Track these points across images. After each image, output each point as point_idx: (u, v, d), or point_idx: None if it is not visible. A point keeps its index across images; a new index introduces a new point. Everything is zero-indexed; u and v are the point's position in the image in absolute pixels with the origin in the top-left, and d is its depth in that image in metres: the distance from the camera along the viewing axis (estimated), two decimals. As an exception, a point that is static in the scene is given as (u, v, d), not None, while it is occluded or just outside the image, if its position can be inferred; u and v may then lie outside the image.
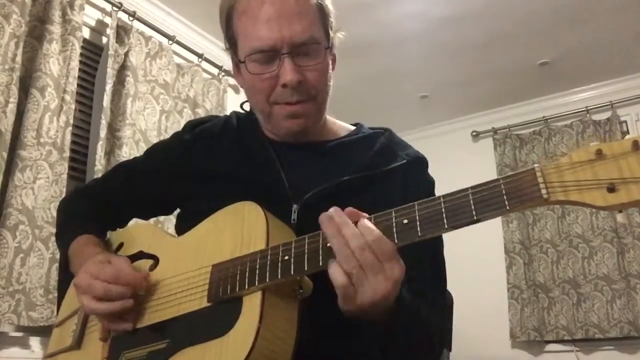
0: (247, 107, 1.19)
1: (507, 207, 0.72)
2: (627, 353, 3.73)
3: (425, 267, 1.03)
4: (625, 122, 4.05)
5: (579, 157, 0.70)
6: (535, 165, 0.72)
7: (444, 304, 1.10)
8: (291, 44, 1.00)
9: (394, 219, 0.80)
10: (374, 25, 3.35)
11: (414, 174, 1.10)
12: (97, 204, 1.24)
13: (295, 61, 1.01)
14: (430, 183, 1.14)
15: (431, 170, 1.16)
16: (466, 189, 0.76)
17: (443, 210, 0.76)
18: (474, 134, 4.56)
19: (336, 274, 0.79)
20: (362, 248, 0.77)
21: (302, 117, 1.06)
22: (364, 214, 0.82)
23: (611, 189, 0.66)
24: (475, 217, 0.74)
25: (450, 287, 1.22)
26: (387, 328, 0.85)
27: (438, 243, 1.09)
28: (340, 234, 0.79)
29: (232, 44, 1.10)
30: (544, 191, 0.70)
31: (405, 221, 0.78)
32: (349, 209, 0.83)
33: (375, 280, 0.78)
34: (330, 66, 1.10)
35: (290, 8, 1.00)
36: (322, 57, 1.04)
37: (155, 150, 1.27)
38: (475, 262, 4.10)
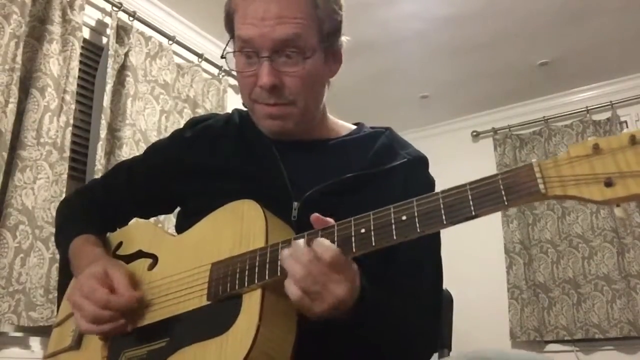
0: None
1: (506, 202, 0.72)
2: (627, 353, 3.72)
3: (422, 267, 1.03)
4: (626, 122, 4.05)
5: (577, 151, 0.69)
6: (533, 160, 0.71)
7: (439, 305, 1.10)
8: (271, 48, 1.00)
9: (392, 215, 0.80)
10: (374, 25, 3.35)
11: (415, 173, 1.10)
12: (97, 204, 1.24)
13: (274, 65, 1.01)
14: (430, 182, 1.14)
15: (431, 170, 1.15)
16: (464, 185, 0.76)
17: (441, 206, 0.76)
18: (474, 134, 4.56)
19: (291, 289, 0.81)
20: (310, 262, 0.79)
21: (279, 119, 1.05)
22: (330, 220, 0.85)
23: (608, 184, 0.66)
24: (473, 213, 0.74)
25: (450, 287, 1.22)
26: (352, 327, 0.86)
27: (435, 242, 1.09)
28: (292, 257, 0.81)
29: (232, 35, 1.11)
30: (541, 186, 0.70)
31: (404, 217, 0.79)
32: (314, 215, 0.85)
33: (328, 292, 0.80)
34: (322, 71, 1.08)
35: (276, 12, 0.99)
36: (303, 64, 1.02)
37: (156, 149, 1.27)
38: (475, 262, 4.11)
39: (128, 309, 0.96)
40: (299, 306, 0.82)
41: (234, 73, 1.13)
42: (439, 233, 1.07)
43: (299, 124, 1.08)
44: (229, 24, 1.09)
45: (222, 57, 1.08)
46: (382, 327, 0.91)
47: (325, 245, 0.80)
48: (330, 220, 0.85)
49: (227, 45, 1.11)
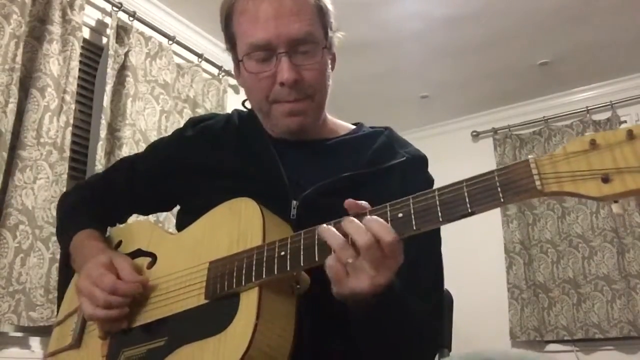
0: (248, 104, 1.20)
1: (502, 199, 0.72)
2: (627, 353, 3.72)
3: (422, 266, 1.03)
4: (626, 122, 4.04)
5: (573, 147, 0.69)
6: (530, 157, 0.71)
7: (441, 304, 1.10)
8: (288, 43, 1.01)
9: (388, 212, 0.80)
10: (374, 25, 3.35)
11: (414, 172, 1.10)
12: (98, 200, 1.25)
13: (292, 60, 1.02)
14: (429, 181, 1.14)
15: (431, 171, 1.15)
16: (461, 182, 0.76)
17: (438, 203, 0.76)
18: (474, 134, 4.56)
19: (329, 259, 0.79)
20: (369, 245, 0.77)
21: (300, 114, 1.06)
22: (365, 204, 0.82)
23: (605, 179, 0.65)
24: (469, 210, 0.74)
25: (450, 286, 1.22)
26: (375, 315, 0.85)
27: (435, 242, 1.09)
28: (341, 231, 0.79)
29: (231, 43, 1.11)
30: (537, 182, 0.70)
31: (400, 215, 0.78)
32: (349, 200, 0.83)
33: (376, 272, 0.78)
34: (329, 65, 1.11)
35: (288, 8, 1.01)
36: (320, 56, 1.05)
37: (157, 147, 1.28)
38: (475, 262, 4.11)
39: (135, 293, 0.97)
40: (333, 277, 0.80)
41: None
42: (438, 232, 1.07)
43: (315, 120, 1.10)
44: (230, 29, 1.09)
45: (240, 60, 1.08)
46: (388, 326, 0.91)
47: (387, 228, 0.78)
48: (366, 205, 0.83)
49: (233, 53, 1.11)
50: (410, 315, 0.93)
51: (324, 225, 0.81)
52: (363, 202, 0.83)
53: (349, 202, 0.83)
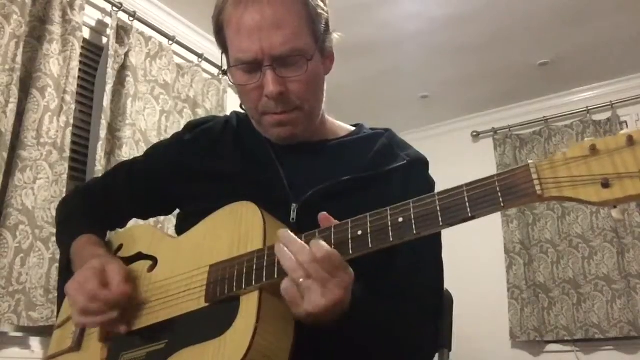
0: None
1: (502, 204, 0.72)
2: (627, 353, 3.72)
3: (422, 270, 1.03)
4: (626, 122, 4.05)
5: (574, 153, 0.69)
6: (530, 161, 0.71)
7: (440, 307, 1.10)
8: (271, 56, 0.99)
9: (389, 217, 0.80)
10: (374, 25, 3.35)
11: (415, 175, 1.09)
12: (97, 204, 1.24)
13: (277, 72, 1.00)
14: (430, 184, 1.13)
15: (431, 171, 1.15)
16: (461, 186, 0.76)
17: (438, 208, 0.76)
18: (474, 134, 4.56)
19: (284, 282, 0.82)
20: (310, 261, 0.79)
21: (289, 124, 1.05)
22: (335, 220, 0.85)
23: (605, 185, 0.65)
24: (470, 214, 0.74)
25: (450, 287, 1.22)
26: (344, 332, 0.86)
27: (435, 246, 1.09)
28: (286, 249, 0.82)
29: (224, 50, 1.10)
30: (537, 187, 0.70)
31: (401, 219, 0.79)
32: (322, 214, 0.86)
33: (324, 290, 0.80)
34: (321, 71, 1.09)
35: (270, 20, 0.98)
36: (306, 67, 1.01)
37: (156, 150, 1.27)
38: (475, 262, 4.11)
39: (116, 303, 0.95)
40: (289, 300, 0.82)
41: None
42: (439, 235, 1.07)
43: (307, 128, 1.08)
44: (221, 38, 1.08)
45: (225, 72, 1.08)
46: (378, 332, 0.91)
47: (319, 244, 0.80)
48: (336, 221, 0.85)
49: (226, 59, 1.10)
50: (388, 321, 0.93)
51: (280, 245, 0.83)
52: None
53: (322, 216, 0.86)
